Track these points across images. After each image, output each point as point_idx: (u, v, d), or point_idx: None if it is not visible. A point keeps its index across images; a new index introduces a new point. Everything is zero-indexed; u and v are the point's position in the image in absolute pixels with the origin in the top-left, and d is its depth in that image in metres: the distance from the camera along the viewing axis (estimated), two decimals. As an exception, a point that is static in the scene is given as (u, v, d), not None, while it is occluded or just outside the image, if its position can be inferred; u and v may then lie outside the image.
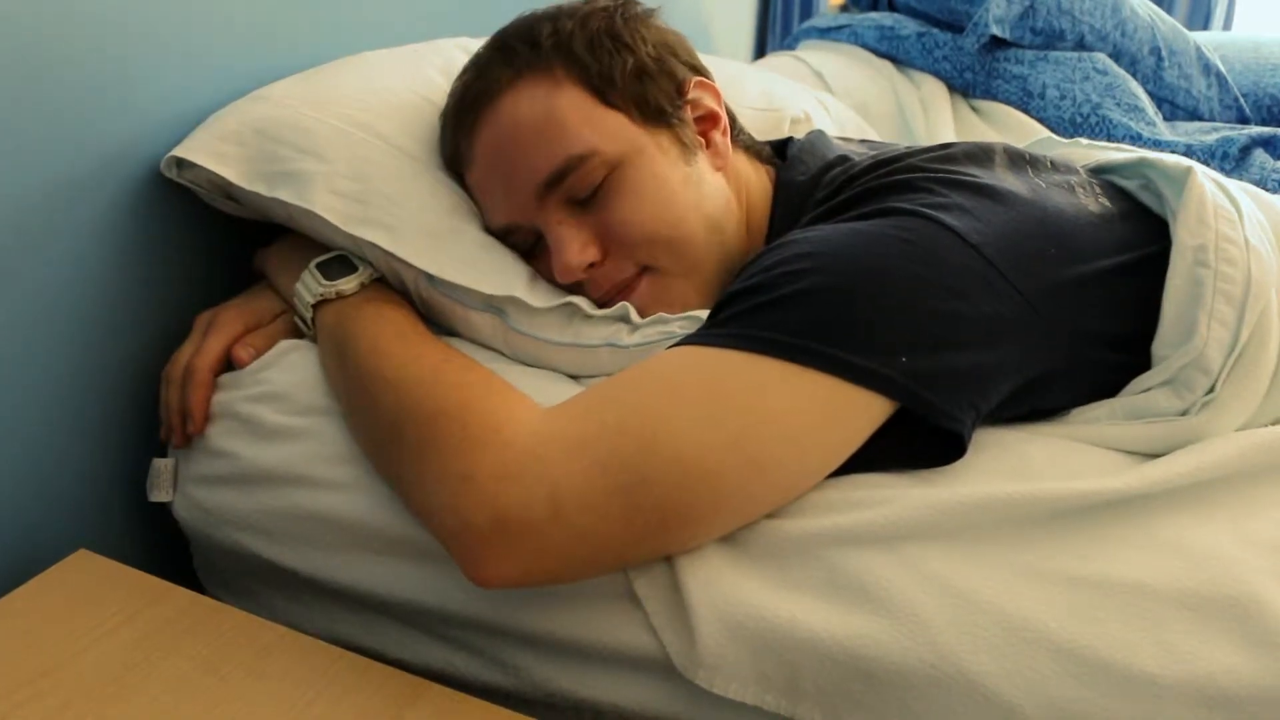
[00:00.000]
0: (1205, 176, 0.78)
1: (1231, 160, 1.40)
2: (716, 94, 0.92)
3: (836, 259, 0.69)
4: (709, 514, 0.66)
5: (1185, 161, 0.80)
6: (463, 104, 0.88)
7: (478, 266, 0.85)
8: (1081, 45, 1.59)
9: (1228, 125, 1.54)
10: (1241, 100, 1.65)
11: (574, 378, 0.84)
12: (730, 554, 0.68)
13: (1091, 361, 0.74)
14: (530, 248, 0.89)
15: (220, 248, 0.99)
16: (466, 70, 0.90)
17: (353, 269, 0.86)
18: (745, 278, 0.72)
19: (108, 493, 0.92)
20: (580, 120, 0.84)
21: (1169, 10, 2.59)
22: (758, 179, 0.93)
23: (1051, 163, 0.84)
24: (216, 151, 0.88)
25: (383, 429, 0.73)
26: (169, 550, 0.93)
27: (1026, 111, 1.55)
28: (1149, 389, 0.73)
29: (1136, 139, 1.45)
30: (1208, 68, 1.65)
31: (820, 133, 0.98)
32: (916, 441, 0.69)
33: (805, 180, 0.88)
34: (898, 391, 0.66)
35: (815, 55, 1.72)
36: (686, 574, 0.67)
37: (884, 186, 0.76)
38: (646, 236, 0.84)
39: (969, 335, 0.68)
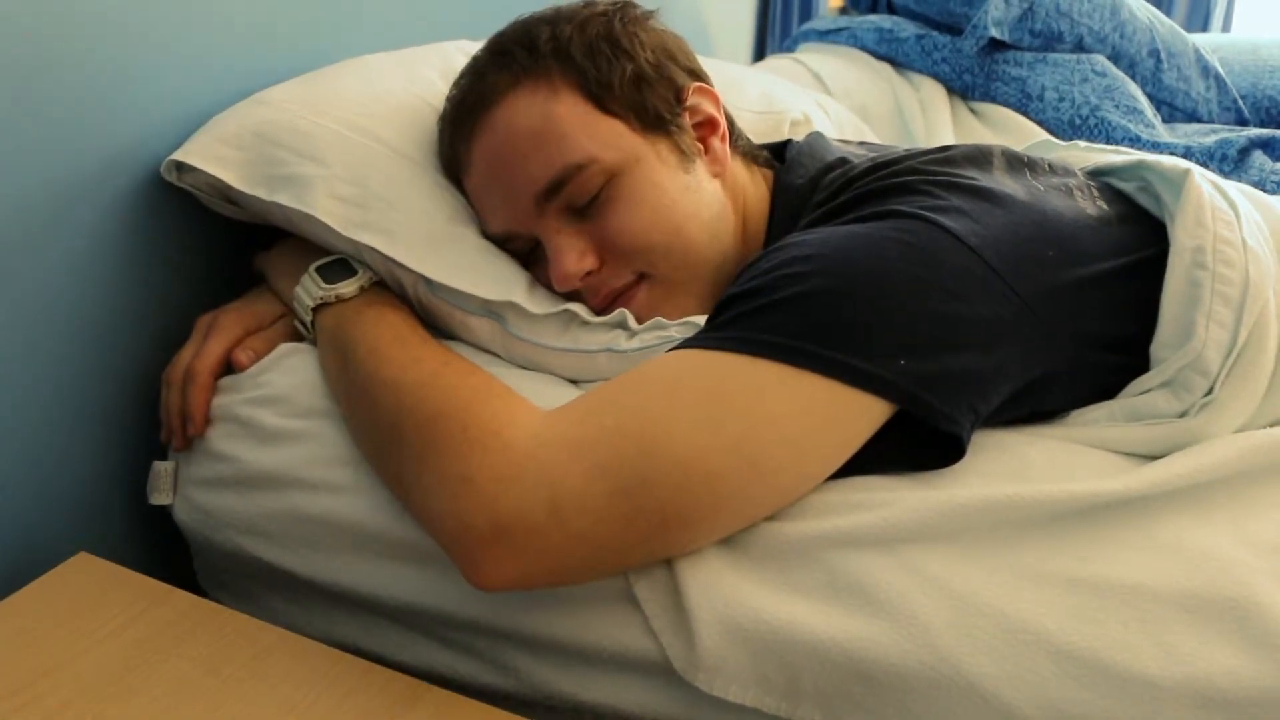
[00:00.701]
0: (1203, 178, 0.78)
1: (1230, 162, 1.40)
2: (715, 100, 0.92)
3: (835, 261, 0.69)
4: (709, 516, 0.66)
5: (1183, 164, 0.80)
6: (460, 110, 0.88)
7: (476, 272, 0.85)
8: (1080, 47, 1.59)
9: (1226, 127, 1.54)
10: (1240, 102, 1.65)
11: (573, 382, 0.84)
12: (730, 556, 0.68)
13: (1091, 364, 0.74)
14: (529, 254, 0.89)
15: (220, 249, 0.99)
16: (464, 75, 0.90)
17: (352, 272, 0.86)
18: (744, 281, 0.72)
19: (108, 496, 0.92)
20: (578, 128, 0.83)
21: (1168, 12, 2.60)
22: (755, 183, 0.93)
23: (1049, 165, 0.84)
24: (216, 155, 0.88)
25: (382, 431, 0.73)
26: (169, 553, 0.93)
27: (1025, 113, 1.55)
28: (1148, 390, 0.73)
29: (1135, 141, 1.45)
30: (1206, 70, 1.65)
31: (819, 134, 0.98)
32: (916, 444, 0.69)
33: (803, 183, 0.88)
34: (897, 394, 0.66)
35: (814, 58, 1.72)
36: (686, 576, 0.67)
37: (883, 189, 0.76)
38: (644, 245, 0.84)
39: (968, 337, 0.68)
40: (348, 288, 0.84)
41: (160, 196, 0.92)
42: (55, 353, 0.85)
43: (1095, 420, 0.74)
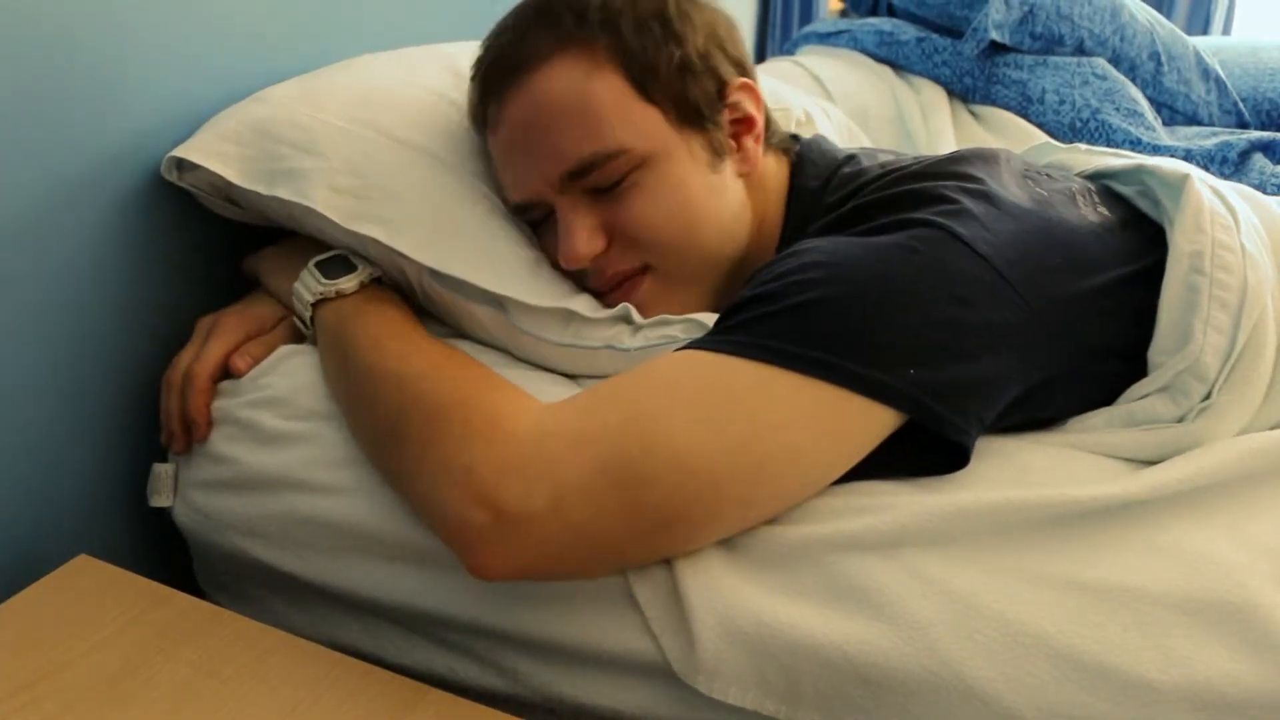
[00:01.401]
0: (1202, 183, 0.78)
1: (1230, 165, 1.40)
2: (757, 98, 0.89)
3: (847, 269, 0.69)
4: (708, 517, 0.66)
5: (1183, 168, 0.80)
6: (497, 66, 0.86)
7: (478, 259, 0.84)
8: (1081, 50, 1.60)
9: (1227, 130, 1.54)
10: (1240, 105, 1.65)
11: (573, 378, 0.84)
12: (730, 559, 0.68)
13: (1092, 372, 0.74)
14: (541, 221, 0.88)
15: (220, 250, 0.99)
16: (506, 27, 0.87)
17: (353, 268, 0.86)
18: (756, 285, 0.71)
19: (108, 498, 0.92)
20: (615, 113, 0.81)
21: (1168, 15, 2.60)
22: (778, 177, 0.91)
23: (1049, 173, 0.84)
24: (215, 151, 0.88)
25: (384, 424, 0.73)
26: (169, 555, 0.93)
27: (1026, 116, 1.55)
28: (1146, 396, 0.73)
29: (1136, 144, 1.45)
30: (1206, 73, 1.65)
31: (822, 137, 0.97)
32: (920, 451, 0.69)
33: (816, 185, 0.87)
34: (906, 403, 0.66)
35: (814, 60, 1.72)
36: (686, 579, 0.67)
37: (896, 197, 0.75)
38: (656, 239, 0.84)
39: (976, 346, 0.68)
40: (348, 283, 0.84)
41: (160, 197, 0.92)
42: (54, 354, 0.86)
43: (1094, 426, 0.74)
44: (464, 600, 0.73)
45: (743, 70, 0.89)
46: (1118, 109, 1.51)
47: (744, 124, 0.88)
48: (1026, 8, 1.55)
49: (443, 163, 0.89)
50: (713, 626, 0.65)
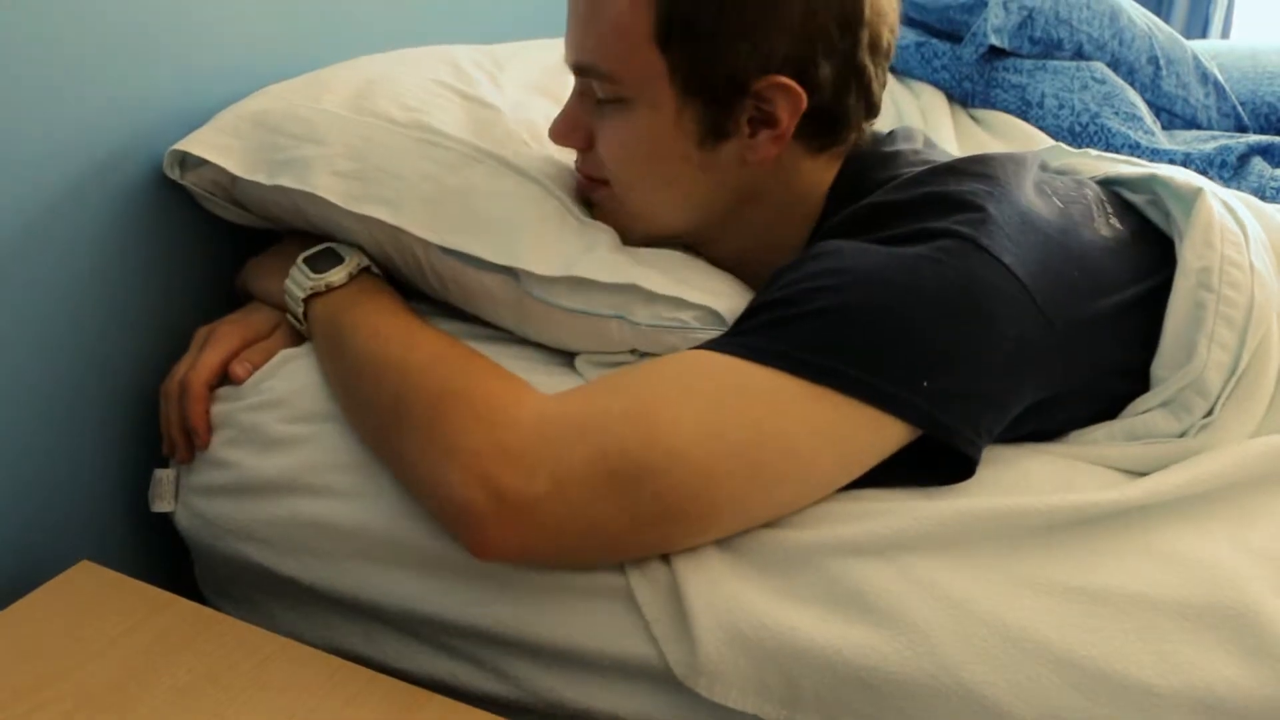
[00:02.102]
0: (1214, 197, 0.78)
1: (1230, 169, 1.40)
2: (795, 100, 0.77)
3: (867, 279, 0.68)
4: (705, 515, 0.67)
5: (1196, 181, 0.80)
6: None
7: (483, 231, 0.82)
8: (1080, 54, 1.60)
9: (1226, 134, 1.54)
10: (1239, 108, 1.65)
11: (575, 368, 0.83)
12: (730, 562, 0.68)
13: (1101, 388, 0.75)
14: None
15: (220, 254, 0.99)
16: None
17: (340, 260, 0.86)
18: (776, 288, 0.71)
19: (109, 503, 0.92)
20: (625, 43, 0.77)
21: (1167, 18, 2.60)
22: (817, 181, 0.84)
23: (1064, 180, 0.83)
24: (216, 144, 0.88)
25: (386, 411, 0.74)
26: (171, 560, 0.93)
27: (1025, 120, 1.55)
28: (1147, 410, 0.74)
29: (1135, 148, 1.45)
30: (1205, 76, 1.65)
31: (894, 137, 0.89)
32: (927, 460, 0.69)
33: (858, 190, 0.81)
34: (917, 416, 0.66)
35: (814, 65, 1.71)
36: (687, 582, 0.67)
37: (918, 200, 0.74)
38: (611, 171, 0.83)
39: (992, 360, 0.68)
40: (337, 275, 0.84)
41: (160, 200, 0.92)
42: (55, 359, 0.86)
43: (1094, 439, 0.75)
44: (465, 605, 0.73)
45: (800, 69, 0.77)
46: (1117, 113, 1.51)
47: (767, 121, 0.79)
48: (1025, 12, 1.56)
49: (441, 138, 0.88)
50: (713, 630, 0.66)
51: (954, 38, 1.62)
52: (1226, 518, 0.68)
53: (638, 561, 0.70)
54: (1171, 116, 1.63)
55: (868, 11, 0.78)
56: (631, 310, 0.79)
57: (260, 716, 0.64)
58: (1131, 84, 1.60)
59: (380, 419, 0.75)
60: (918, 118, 1.58)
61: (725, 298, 0.79)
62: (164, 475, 0.86)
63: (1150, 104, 1.60)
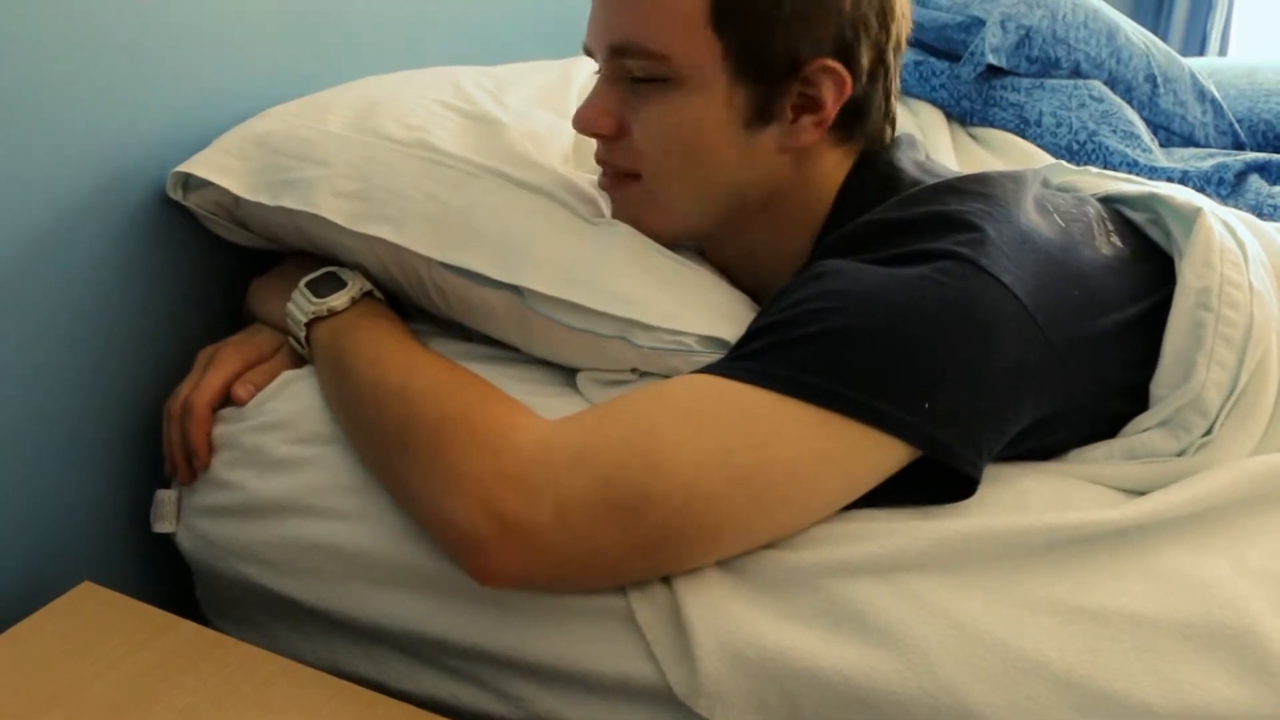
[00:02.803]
0: (1214, 217, 0.79)
1: (1227, 186, 1.40)
2: (841, 85, 0.79)
3: (867, 300, 0.69)
4: (708, 539, 0.67)
5: (1196, 201, 0.80)
6: None
7: (485, 247, 0.82)
8: (1077, 73, 1.60)
9: (1223, 151, 1.55)
10: (1236, 126, 1.66)
11: (578, 395, 0.83)
12: (731, 583, 0.68)
13: (1100, 408, 0.75)
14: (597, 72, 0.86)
15: (223, 275, 0.99)
16: None
17: (342, 284, 0.86)
18: (776, 310, 0.72)
19: (111, 524, 0.92)
20: (677, 22, 0.77)
21: (1164, 36, 2.61)
22: (832, 176, 0.84)
23: (1065, 198, 0.83)
24: (219, 165, 0.89)
25: (388, 437, 0.74)
26: (173, 581, 0.93)
27: (1023, 139, 1.56)
28: (1146, 429, 0.74)
29: (1132, 166, 1.46)
30: (1202, 94, 1.66)
31: (903, 144, 0.89)
32: (927, 480, 0.69)
33: (868, 197, 0.82)
34: (919, 438, 0.66)
35: (813, 83, 1.72)
36: (688, 602, 0.67)
37: (917, 219, 0.75)
38: (651, 157, 0.82)
39: (993, 380, 0.68)
40: (339, 300, 0.85)
41: (163, 224, 0.93)
42: (57, 379, 0.86)
43: (1093, 458, 0.75)
44: (467, 626, 0.74)
45: (846, 54, 0.79)
46: (1114, 131, 1.52)
47: (811, 106, 0.80)
48: (1022, 32, 1.56)
49: (443, 156, 0.88)
50: (714, 650, 0.66)
51: (952, 57, 1.63)
52: (1226, 537, 0.68)
53: (638, 582, 0.70)
54: (1169, 134, 1.64)
55: (898, 8, 0.81)
56: (633, 333, 0.79)
57: (262, 738, 0.65)
58: (1129, 102, 1.61)
59: (382, 445, 0.75)
60: (916, 135, 1.59)
61: (728, 320, 0.80)
62: (166, 496, 0.87)
63: (1148, 122, 1.61)
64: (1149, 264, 0.80)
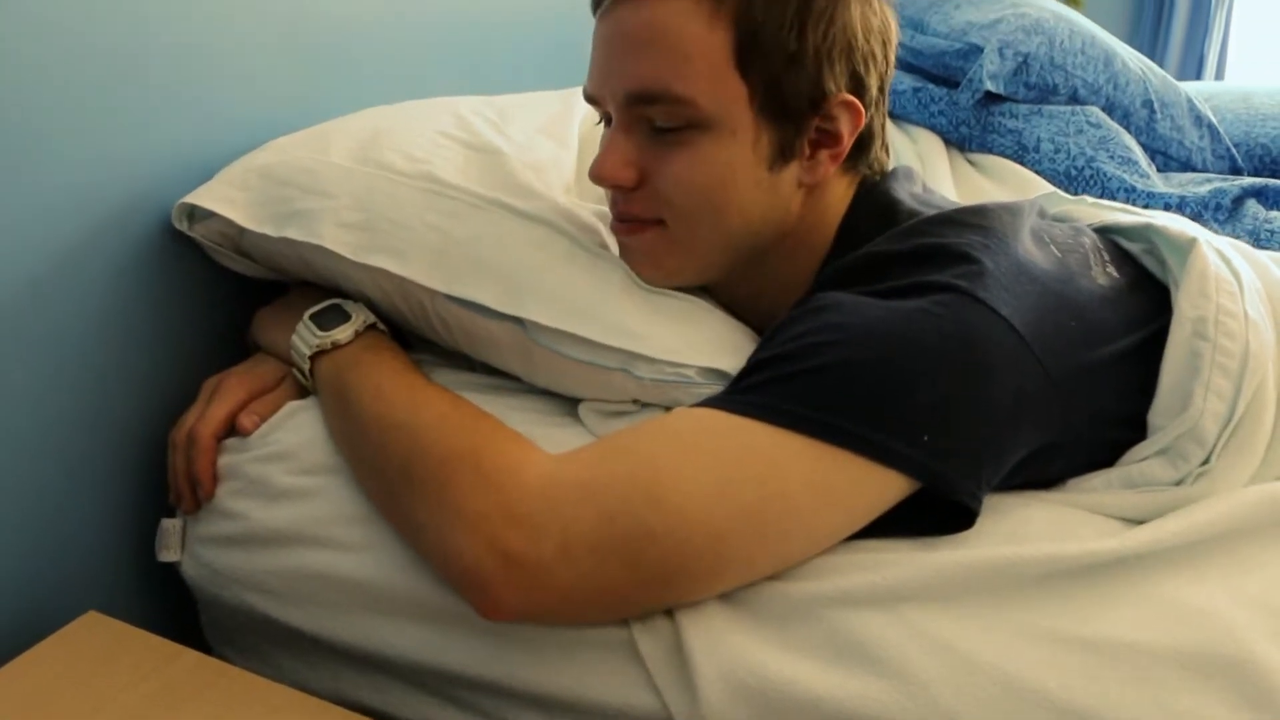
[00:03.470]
0: (1209, 247, 0.79)
1: (1224, 211, 1.41)
2: (857, 118, 0.81)
3: (865, 333, 0.69)
4: (711, 573, 0.67)
5: (1190, 230, 0.81)
6: None
7: (488, 278, 0.82)
8: (1075, 99, 1.62)
9: (1220, 176, 1.56)
10: (1233, 150, 1.67)
11: (581, 427, 0.84)
12: (733, 614, 0.69)
13: (1097, 438, 0.75)
14: (601, 121, 0.86)
15: (227, 306, 1.00)
16: None
17: (346, 317, 0.86)
18: (776, 343, 0.72)
19: (116, 554, 0.92)
20: (703, 68, 0.77)
21: (1161, 60, 2.63)
22: (836, 208, 0.85)
23: (1062, 228, 0.84)
24: (224, 196, 0.90)
25: (393, 472, 0.74)
26: (178, 611, 0.93)
27: (1021, 165, 1.56)
28: (1144, 459, 0.74)
29: (1130, 191, 1.47)
30: (1199, 119, 1.67)
31: (900, 175, 0.90)
32: (927, 511, 0.69)
33: (868, 228, 0.83)
34: (919, 471, 0.67)
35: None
36: (689, 633, 0.68)
37: (915, 252, 0.75)
38: (680, 203, 0.81)
39: (992, 412, 0.69)
40: (343, 333, 0.85)
41: (168, 253, 0.93)
42: (61, 409, 0.87)
43: (1092, 487, 0.75)
44: (470, 656, 0.74)
45: (859, 87, 0.81)
46: (1112, 157, 1.53)
47: (828, 140, 0.82)
48: (1020, 58, 1.58)
49: (446, 187, 0.88)
50: (716, 681, 0.66)
51: (950, 83, 1.64)
52: (1224, 566, 0.68)
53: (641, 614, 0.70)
54: (1166, 159, 1.65)
55: (893, 35, 0.83)
56: (635, 365, 0.80)
57: (267, 769, 0.65)
58: (1126, 127, 1.62)
59: (386, 479, 0.75)
60: (915, 162, 1.60)
61: (728, 352, 0.80)
62: (171, 525, 0.87)
63: (1145, 147, 1.62)
64: (1145, 294, 0.81)
